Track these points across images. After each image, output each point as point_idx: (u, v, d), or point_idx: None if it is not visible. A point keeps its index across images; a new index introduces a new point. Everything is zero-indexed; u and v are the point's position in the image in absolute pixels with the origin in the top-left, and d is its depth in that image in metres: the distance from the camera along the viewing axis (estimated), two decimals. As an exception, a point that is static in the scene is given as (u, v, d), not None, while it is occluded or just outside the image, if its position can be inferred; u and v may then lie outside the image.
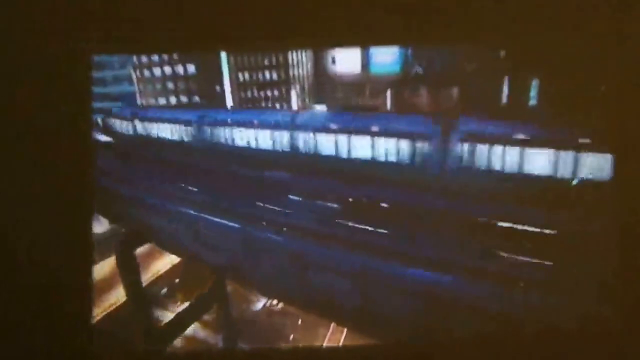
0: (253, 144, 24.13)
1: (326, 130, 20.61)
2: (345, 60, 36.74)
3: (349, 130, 20.14)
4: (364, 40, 6.76)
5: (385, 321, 12.68)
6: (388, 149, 18.33)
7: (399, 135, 18.13)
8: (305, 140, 21.57)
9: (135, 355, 7.48)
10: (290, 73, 43.68)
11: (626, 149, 4.58)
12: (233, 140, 25.60)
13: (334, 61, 37.82)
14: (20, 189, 4.31)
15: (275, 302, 33.77)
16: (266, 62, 43.97)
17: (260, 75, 45.64)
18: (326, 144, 20.74)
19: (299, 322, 29.45)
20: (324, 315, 15.20)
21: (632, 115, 4.45)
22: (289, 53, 39.78)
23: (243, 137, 24.59)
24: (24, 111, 4.33)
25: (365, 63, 35.49)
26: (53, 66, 4.41)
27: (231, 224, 16.09)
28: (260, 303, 34.84)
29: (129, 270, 23.68)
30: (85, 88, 4.58)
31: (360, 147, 19.66)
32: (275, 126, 23.28)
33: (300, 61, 44.19)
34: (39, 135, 4.37)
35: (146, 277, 36.08)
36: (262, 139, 23.52)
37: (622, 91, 4.49)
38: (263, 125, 24.00)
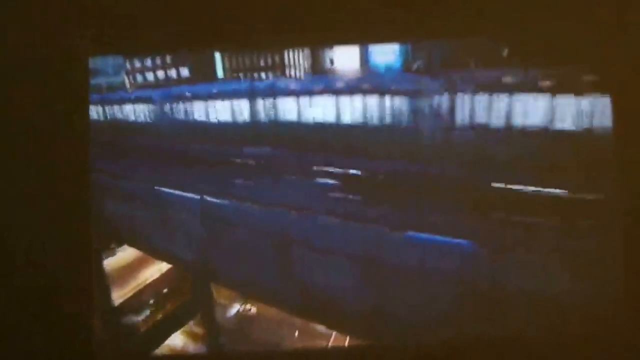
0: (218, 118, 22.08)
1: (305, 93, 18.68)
2: (344, 61, 36.21)
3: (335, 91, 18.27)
4: (366, 36, 6.81)
5: (401, 321, 11.37)
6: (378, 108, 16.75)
7: (390, 92, 16.65)
8: (274, 106, 19.54)
9: (136, 358, 7.89)
10: (287, 74, 43.26)
11: (627, 137, 5.08)
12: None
13: (332, 62, 37.37)
14: (16, 190, 5.02)
15: (248, 306, 30.98)
16: (262, 63, 43.59)
17: (255, 76, 45.42)
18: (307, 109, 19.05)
19: (296, 334, 27.47)
20: (313, 315, 13.59)
21: (633, 105, 4.92)
22: (285, 53, 39.17)
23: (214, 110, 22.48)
24: (19, 111, 5.00)
25: (365, 63, 35.12)
26: (48, 65, 5.09)
27: (190, 195, 14.36)
28: (234, 308, 32.35)
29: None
30: (81, 87, 5.35)
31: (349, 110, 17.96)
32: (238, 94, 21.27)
33: (297, 62, 43.68)
34: (35, 135, 5.05)
35: (134, 286, 34.91)
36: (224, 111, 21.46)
37: (622, 80, 5.09)
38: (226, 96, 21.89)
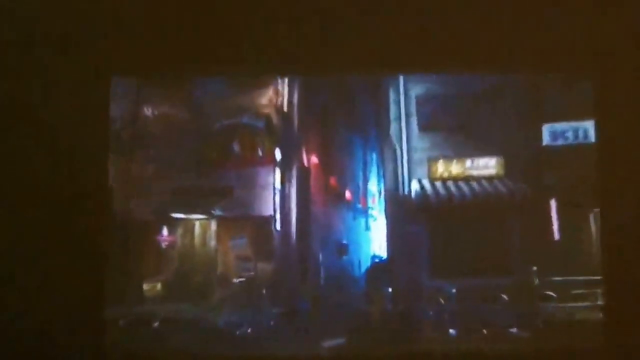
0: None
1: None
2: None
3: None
4: (355, 69, 7.12)
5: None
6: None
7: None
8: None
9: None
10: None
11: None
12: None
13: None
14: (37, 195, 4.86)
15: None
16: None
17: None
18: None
19: None
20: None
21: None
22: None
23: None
24: (42, 124, 5.03)
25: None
26: (73, 82, 5.05)
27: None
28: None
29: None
30: (103, 104, 5.27)
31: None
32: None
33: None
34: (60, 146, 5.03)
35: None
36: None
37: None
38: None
